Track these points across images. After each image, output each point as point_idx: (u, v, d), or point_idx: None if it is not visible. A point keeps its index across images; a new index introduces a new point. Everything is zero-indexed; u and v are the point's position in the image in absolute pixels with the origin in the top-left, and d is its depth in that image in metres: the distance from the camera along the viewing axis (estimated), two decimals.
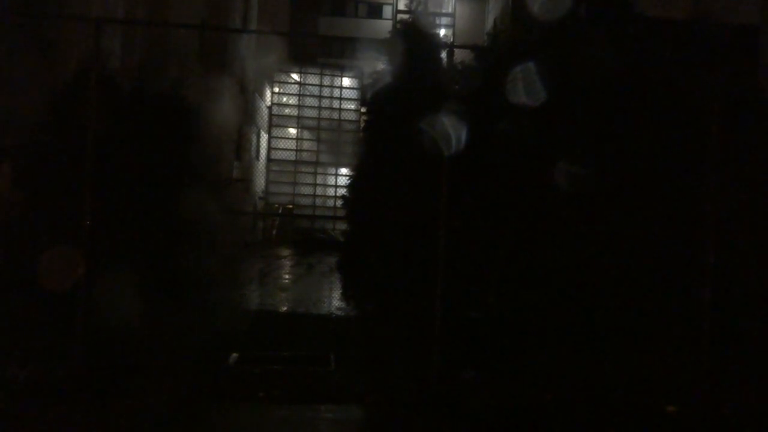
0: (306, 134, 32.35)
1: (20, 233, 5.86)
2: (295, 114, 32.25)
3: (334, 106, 32.53)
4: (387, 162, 6.26)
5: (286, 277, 15.23)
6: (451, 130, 5.80)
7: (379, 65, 6.85)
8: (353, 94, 31.73)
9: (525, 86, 6.02)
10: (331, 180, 30.11)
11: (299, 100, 32.33)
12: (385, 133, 6.40)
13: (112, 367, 5.53)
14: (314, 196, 31.29)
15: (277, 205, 29.89)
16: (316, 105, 32.18)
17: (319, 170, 31.75)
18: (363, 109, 7.40)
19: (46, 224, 5.76)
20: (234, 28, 22.15)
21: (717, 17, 6.66)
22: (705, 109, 5.93)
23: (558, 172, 5.87)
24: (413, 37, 6.65)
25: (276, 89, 31.49)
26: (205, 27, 18.71)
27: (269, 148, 29.85)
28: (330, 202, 29.08)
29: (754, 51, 11.70)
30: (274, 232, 27.87)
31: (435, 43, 6.96)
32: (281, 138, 31.05)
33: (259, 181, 27.00)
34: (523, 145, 6.10)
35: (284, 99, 32.39)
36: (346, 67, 32.51)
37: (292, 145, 31.81)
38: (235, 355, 6.28)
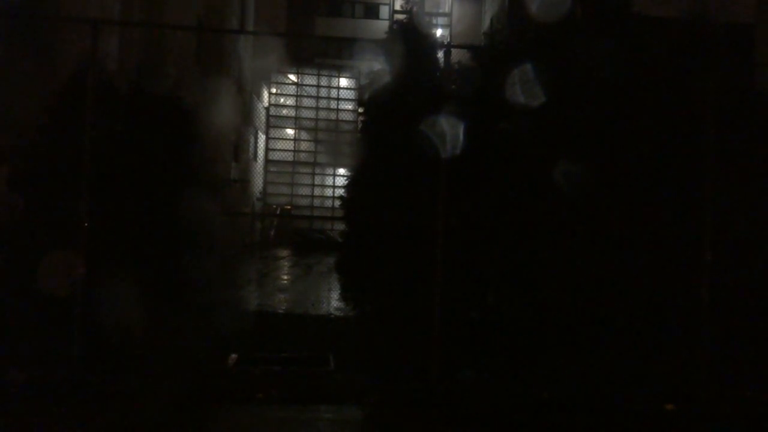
0: (304, 135, 32.33)
1: (18, 235, 5.85)
2: (293, 115, 32.23)
3: (331, 107, 32.51)
4: (385, 162, 6.26)
5: (285, 277, 15.22)
6: (449, 129, 5.81)
7: (377, 66, 6.85)
8: (351, 94, 31.72)
9: (522, 86, 6.02)
10: (329, 180, 30.09)
11: (297, 100, 32.31)
12: (383, 134, 6.41)
13: (110, 368, 5.53)
14: (312, 196, 31.27)
15: (275, 206, 29.86)
16: (314, 106, 32.16)
17: (317, 171, 31.73)
18: (360, 110, 7.40)
19: (44, 226, 5.75)
20: (231, 29, 22.14)
21: (713, 16, 6.67)
22: (702, 108, 5.94)
23: (556, 172, 5.88)
24: (410, 37, 6.66)
25: (273, 90, 31.46)
26: (203, 28, 18.69)
27: (267, 149, 29.81)
28: (328, 203, 29.08)
29: (750, 49, 11.72)
30: (272, 233, 27.85)
31: (432, 44, 6.96)
32: (279, 139, 31.02)
33: (257, 182, 26.97)
34: (521, 145, 6.11)
35: (282, 100, 32.36)
36: (344, 68, 32.50)
37: (289, 145, 31.78)
38: (234, 356, 6.28)
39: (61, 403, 5.08)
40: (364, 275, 6.48)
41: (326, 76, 32.69)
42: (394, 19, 25.78)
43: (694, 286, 5.85)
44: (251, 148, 26.39)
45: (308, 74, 32.20)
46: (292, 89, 32.24)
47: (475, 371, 5.86)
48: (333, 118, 32.36)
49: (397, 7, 29.01)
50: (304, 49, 32.60)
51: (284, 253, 23.49)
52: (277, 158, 30.87)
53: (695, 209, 5.91)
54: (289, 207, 30.30)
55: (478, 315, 6.12)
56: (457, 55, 6.79)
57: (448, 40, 28.58)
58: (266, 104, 30.24)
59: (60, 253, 5.46)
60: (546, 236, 6.02)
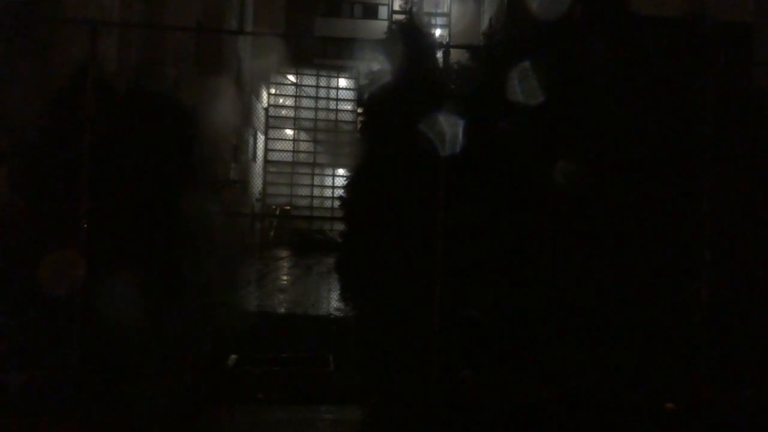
0: (303, 135, 32.36)
1: (18, 236, 5.85)
2: (292, 115, 32.26)
3: (330, 107, 32.55)
4: (384, 162, 6.26)
5: (285, 278, 15.23)
6: (448, 129, 5.82)
7: (376, 66, 6.84)
8: (350, 94, 31.78)
9: (521, 85, 6.03)
10: (329, 181, 30.15)
11: (296, 101, 32.35)
12: (382, 134, 6.40)
13: (110, 369, 5.53)
14: (311, 197, 31.31)
15: (274, 207, 29.87)
16: (313, 106, 32.20)
17: (317, 171, 31.77)
18: (359, 110, 7.40)
19: (44, 227, 5.75)
20: (230, 30, 22.14)
21: (711, 15, 6.68)
22: (700, 106, 5.95)
23: (555, 171, 5.88)
24: (409, 37, 6.65)
25: (272, 90, 31.47)
26: (202, 29, 18.70)
27: (266, 150, 29.83)
28: (327, 203, 29.12)
29: (748, 48, 11.74)
30: (271, 233, 27.86)
31: (431, 43, 6.95)
32: (278, 139, 31.06)
33: (257, 183, 26.98)
34: (521, 144, 6.12)
35: (281, 100, 32.39)
36: (343, 68, 32.51)
37: (288, 146, 31.82)
38: (234, 356, 6.28)
39: (61, 404, 5.08)
40: (363, 275, 6.48)
41: (325, 76, 32.74)
42: (393, 19, 25.82)
43: (694, 285, 5.85)
44: (250, 149, 26.40)
45: (307, 75, 32.24)
46: (291, 90, 32.28)
47: (474, 371, 5.87)
48: (332, 118, 32.39)
49: (396, 7, 29.05)
50: (303, 49, 32.60)
51: (284, 253, 23.50)
52: (277, 159, 30.92)
53: (694, 209, 5.91)
54: (288, 207, 30.32)
55: (477, 314, 6.12)
56: (456, 54, 6.80)
57: (447, 39, 28.60)
58: (265, 105, 30.26)
59: (60, 253, 5.46)
60: (545, 235, 6.03)
